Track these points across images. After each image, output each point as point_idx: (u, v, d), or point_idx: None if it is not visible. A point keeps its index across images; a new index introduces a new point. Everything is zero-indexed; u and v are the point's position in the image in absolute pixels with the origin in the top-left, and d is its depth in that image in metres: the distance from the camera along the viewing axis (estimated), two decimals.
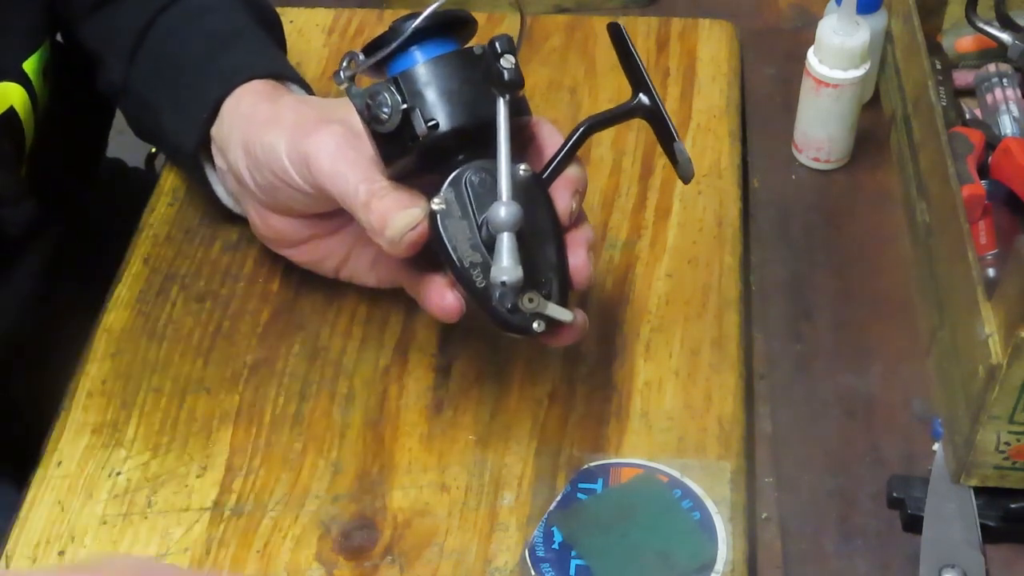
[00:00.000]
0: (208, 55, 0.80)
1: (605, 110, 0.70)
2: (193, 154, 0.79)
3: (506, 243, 0.63)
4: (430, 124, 0.65)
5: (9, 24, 0.83)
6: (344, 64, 0.66)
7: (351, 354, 0.79)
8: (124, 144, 1.08)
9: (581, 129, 0.69)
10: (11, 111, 0.83)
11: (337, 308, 0.81)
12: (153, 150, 1.13)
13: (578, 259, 0.68)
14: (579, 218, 0.69)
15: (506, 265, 0.62)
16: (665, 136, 0.69)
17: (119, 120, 0.95)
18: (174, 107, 0.80)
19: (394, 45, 0.65)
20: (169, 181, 0.90)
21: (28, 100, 0.84)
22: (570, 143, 0.69)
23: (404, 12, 1.04)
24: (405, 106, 0.65)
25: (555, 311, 0.66)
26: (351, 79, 0.66)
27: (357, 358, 0.79)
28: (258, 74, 0.78)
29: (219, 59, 0.80)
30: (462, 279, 0.66)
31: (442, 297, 0.68)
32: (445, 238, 0.66)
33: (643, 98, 0.69)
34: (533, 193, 0.67)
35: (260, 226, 0.78)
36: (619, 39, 0.70)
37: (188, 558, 0.69)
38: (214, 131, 0.77)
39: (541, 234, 0.67)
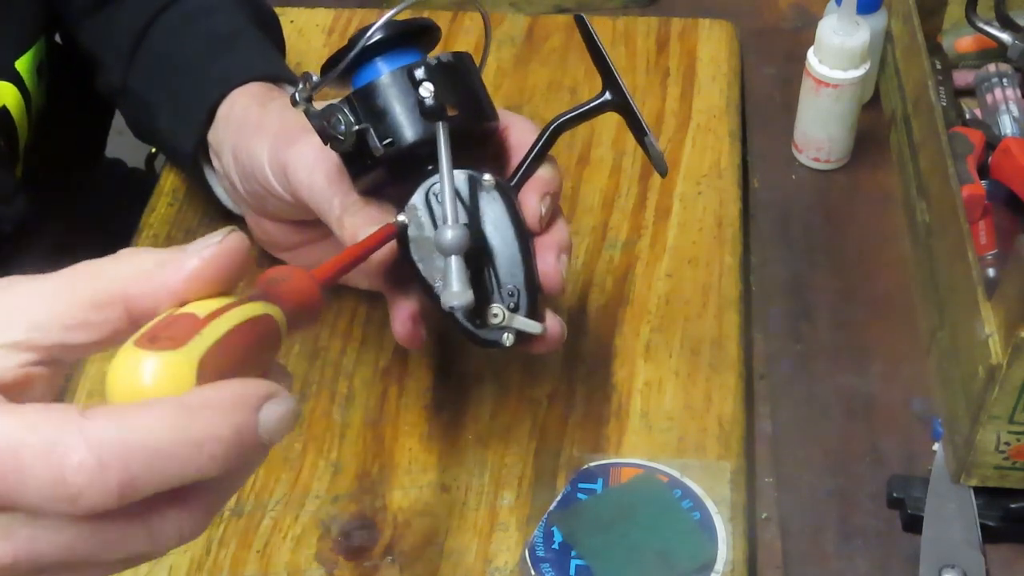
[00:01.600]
0: (205, 57, 0.80)
1: (575, 106, 0.68)
2: (192, 157, 0.79)
3: (454, 267, 0.61)
4: (386, 142, 0.64)
5: (2, 24, 0.83)
6: (300, 86, 0.65)
7: (351, 354, 0.79)
8: (124, 144, 1.08)
9: (550, 129, 0.67)
10: (3, 109, 0.83)
11: (337, 309, 0.81)
12: (153, 150, 1.13)
13: (547, 264, 0.66)
14: (552, 220, 0.68)
15: (455, 290, 0.61)
16: (636, 130, 0.67)
17: (119, 120, 0.95)
18: (172, 109, 0.80)
19: (342, 65, 0.64)
20: (169, 181, 0.90)
21: (21, 99, 0.84)
22: (539, 144, 0.67)
23: (403, 12, 1.04)
24: (357, 127, 0.64)
25: (523, 324, 0.64)
26: (308, 100, 0.65)
27: (357, 358, 0.79)
28: (254, 77, 0.78)
29: (216, 61, 0.80)
30: (429, 293, 0.65)
31: (403, 326, 0.68)
32: (411, 252, 0.65)
33: (610, 93, 0.67)
34: (497, 202, 0.66)
35: (255, 230, 0.78)
36: (584, 32, 0.68)
37: (188, 558, 0.69)
38: (210, 135, 0.77)
39: (507, 244, 0.65)
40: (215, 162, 0.78)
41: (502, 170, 0.68)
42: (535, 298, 0.65)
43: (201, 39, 0.82)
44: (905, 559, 0.70)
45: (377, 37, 0.64)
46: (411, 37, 0.67)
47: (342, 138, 0.64)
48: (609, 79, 0.67)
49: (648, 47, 1.00)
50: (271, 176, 0.70)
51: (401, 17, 0.65)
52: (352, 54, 0.64)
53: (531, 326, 0.65)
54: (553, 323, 0.66)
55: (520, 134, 0.69)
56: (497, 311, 0.64)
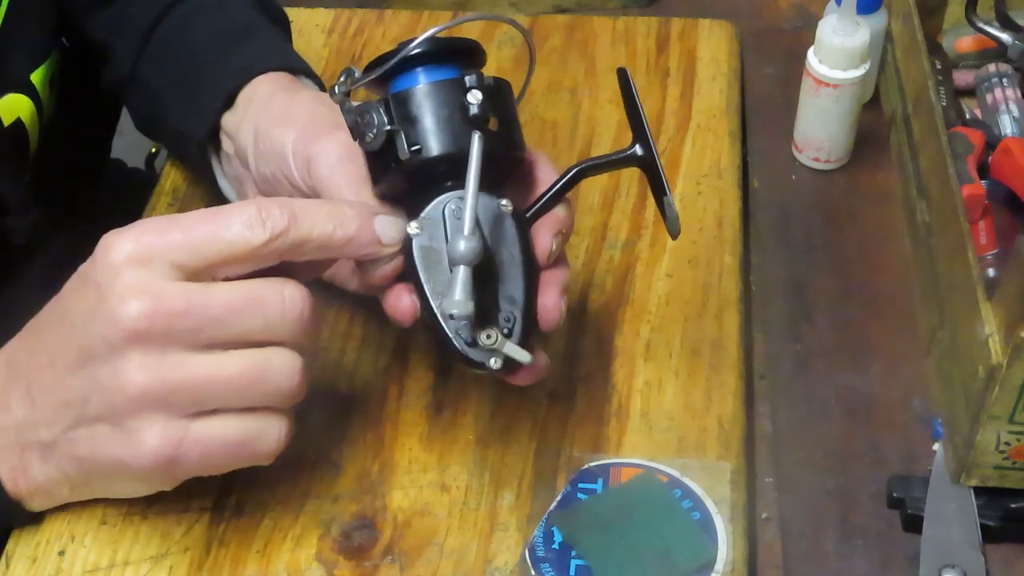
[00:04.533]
0: (222, 48, 0.81)
1: (601, 155, 0.70)
2: (202, 143, 0.79)
3: (461, 276, 0.62)
4: (414, 149, 0.65)
5: (19, 37, 0.83)
6: (341, 79, 0.66)
7: (351, 354, 0.79)
8: (124, 145, 1.08)
9: (573, 171, 0.68)
10: (18, 122, 0.83)
11: (337, 308, 0.81)
12: (153, 150, 1.13)
13: (548, 300, 0.67)
14: (558, 260, 0.69)
15: (458, 298, 0.62)
16: (657, 188, 0.69)
17: (119, 121, 0.95)
18: (185, 96, 0.81)
19: (387, 66, 0.65)
20: (169, 181, 0.90)
21: (34, 110, 0.85)
22: (561, 183, 0.68)
23: (403, 12, 1.05)
24: (389, 128, 0.65)
25: (513, 351, 0.65)
26: (346, 95, 0.66)
27: (357, 358, 0.79)
28: (274, 67, 0.79)
29: (234, 52, 0.81)
30: (426, 306, 0.66)
31: (398, 299, 0.68)
32: (417, 263, 0.66)
33: (639, 148, 0.68)
34: (510, 229, 0.66)
35: None
36: (624, 85, 0.69)
37: (188, 558, 0.69)
38: (226, 117, 0.78)
39: (512, 271, 0.66)
40: (227, 144, 0.79)
41: (520, 203, 0.69)
42: (529, 328, 0.66)
43: (217, 30, 0.83)
44: (905, 559, 0.70)
45: (425, 47, 0.65)
46: (456, 54, 0.67)
47: (371, 137, 0.65)
48: (640, 135, 0.69)
49: (648, 47, 1.00)
50: (294, 166, 0.71)
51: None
52: (396, 59, 0.65)
53: (521, 354, 0.65)
54: (540, 356, 0.67)
55: (542, 170, 0.70)
56: (491, 333, 0.65)
